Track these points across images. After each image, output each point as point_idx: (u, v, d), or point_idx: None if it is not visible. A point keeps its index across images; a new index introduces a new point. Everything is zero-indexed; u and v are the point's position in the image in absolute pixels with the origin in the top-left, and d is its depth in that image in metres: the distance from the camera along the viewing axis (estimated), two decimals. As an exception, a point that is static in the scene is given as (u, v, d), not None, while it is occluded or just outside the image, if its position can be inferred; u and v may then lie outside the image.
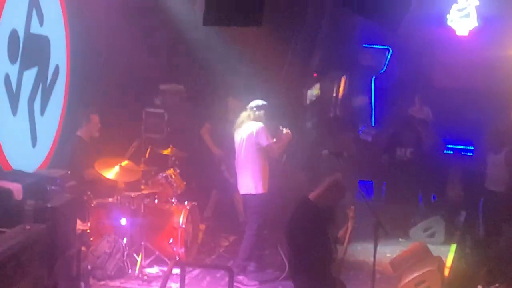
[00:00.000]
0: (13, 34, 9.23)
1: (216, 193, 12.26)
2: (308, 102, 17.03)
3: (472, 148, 15.78)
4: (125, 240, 9.82)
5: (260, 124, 9.99)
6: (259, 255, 10.32)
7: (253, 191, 10.04)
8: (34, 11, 9.67)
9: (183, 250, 10.13)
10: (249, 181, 10.07)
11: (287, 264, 9.14)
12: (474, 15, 16.85)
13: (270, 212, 10.31)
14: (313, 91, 17.35)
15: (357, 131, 17.08)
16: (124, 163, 10.01)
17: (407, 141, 14.07)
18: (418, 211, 13.33)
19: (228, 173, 11.58)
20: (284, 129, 10.24)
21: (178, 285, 7.61)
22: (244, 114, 10.18)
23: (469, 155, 15.90)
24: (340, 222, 7.89)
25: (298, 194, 9.37)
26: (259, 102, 10.17)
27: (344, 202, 8.00)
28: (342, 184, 7.53)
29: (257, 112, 10.09)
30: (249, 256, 10.10)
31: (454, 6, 17.03)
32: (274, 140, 10.08)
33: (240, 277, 9.81)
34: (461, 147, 16.82)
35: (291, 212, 7.56)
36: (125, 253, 9.72)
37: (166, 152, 10.99)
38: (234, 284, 9.14)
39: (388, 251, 10.65)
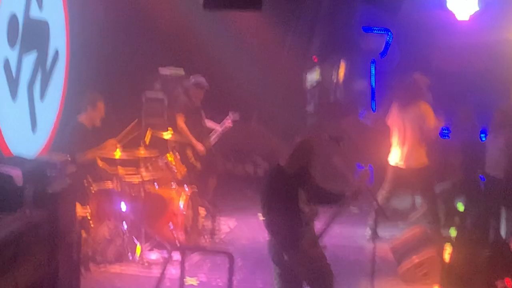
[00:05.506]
0: (13, 19, 9.20)
1: (215, 180, 12.15)
2: (308, 86, 17.03)
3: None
4: (125, 225, 9.83)
5: None
6: None
7: None
8: (33, -4, 9.65)
9: (183, 235, 10.13)
10: None
11: None
12: (475, -1, 16.76)
13: None
14: (313, 75, 17.33)
15: (357, 115, 17.04)
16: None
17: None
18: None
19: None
20: None
21: (178, 270, 7.59)
22: None
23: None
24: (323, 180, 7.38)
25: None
26: None
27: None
28: (311, 142, 7.04)
29: None
30: None
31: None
32: None
33: None
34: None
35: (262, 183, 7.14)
36: (125, 238, 9.73)
37: (166, 136, 10.95)
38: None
39: (388, 236, 10.63)
